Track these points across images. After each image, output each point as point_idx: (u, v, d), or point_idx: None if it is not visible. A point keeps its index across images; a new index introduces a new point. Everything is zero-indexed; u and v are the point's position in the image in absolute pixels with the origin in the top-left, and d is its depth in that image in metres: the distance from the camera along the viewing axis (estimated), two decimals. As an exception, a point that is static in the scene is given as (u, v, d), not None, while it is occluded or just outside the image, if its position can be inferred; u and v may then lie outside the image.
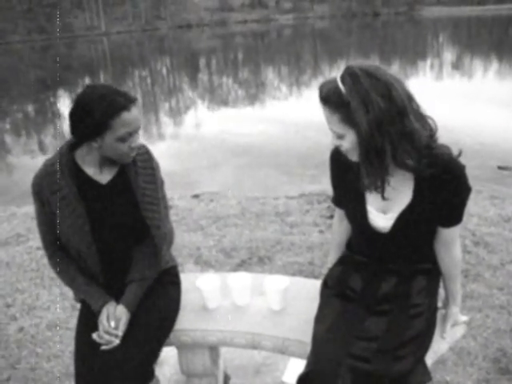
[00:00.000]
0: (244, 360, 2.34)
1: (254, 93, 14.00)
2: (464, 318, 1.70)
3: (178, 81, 18.42)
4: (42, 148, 8.91)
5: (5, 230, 4.30)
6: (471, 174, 1.44)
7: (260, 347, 1.78)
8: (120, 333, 1.61)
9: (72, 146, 1.69)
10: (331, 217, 4.05)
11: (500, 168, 5.69)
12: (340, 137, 1.41)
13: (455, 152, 1.42)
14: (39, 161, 1.74)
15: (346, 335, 1.47)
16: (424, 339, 1.51)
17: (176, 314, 1.83)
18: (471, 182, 1.43)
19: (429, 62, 18.14)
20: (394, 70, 13.87)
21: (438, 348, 1.61)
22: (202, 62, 24.65)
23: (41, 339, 2.68)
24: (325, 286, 1.74)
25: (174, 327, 1.80)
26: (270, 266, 3.30)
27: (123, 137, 1.57)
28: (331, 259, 1.84)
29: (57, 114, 12.20)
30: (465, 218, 1.53)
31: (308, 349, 1.54)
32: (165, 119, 11.13)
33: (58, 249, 1.73)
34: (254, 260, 3.41)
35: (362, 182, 1.47)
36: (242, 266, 3.35)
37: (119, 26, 62.17)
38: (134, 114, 1.58)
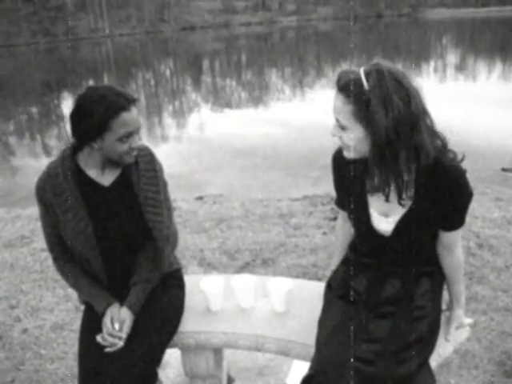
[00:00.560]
0: (248, 362, 2.34)
1: (258, 95, 14.01)
2: (468, 321, 1.70)
3: (181, 83, 18.46)
4: (46, 150, 8.94)
5: (9, 232, 4.31)
6: (475, 176, 1.44)
7: (264, 349, 1.77)
8: (124, 335, 1.61)
9: (74, 149, 1.70)
10: (335, 219, 4.05)
11: (504, 170, 5.67)
12: (343, 128, 1.39)
13: (460, 156, 1.42)
14: (43, 163, 1.75)
15: (349, 337, 1.47)
16: (428, 341, 1.50)
17: (180, 318, 1.83)
18: (476, 183, 1.43)
19: (432, 63, 18.12)
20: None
21: (443, 350, 1.60)
22: (206, 64, 24.69)
23: (45, 341, 2.68)
24: (328, 288, 1.74)
25: (177, 329, 1.80)
26: (273, 268, 3.30)
27: (123, 137, 1.58)
28: (335, 261, 1.84)
29: (61, 117, 12.23)
30: (469, 220, 1.52)
31: (312, 351, 1.53)
32: (168, 121, 11.15)
33: (62, 251, 1.73)
34: (258, 262, 3.41)
35: (369, 184, 1.47)
36: (245, 268, 3.34)
37: (123, 29, 62.35)
38: (134, 114, 1.59)
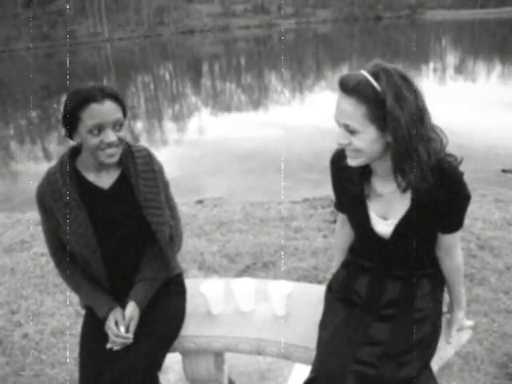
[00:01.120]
0: (248, 366, 2.33)
1: (257, 98, 14.03)
2: (469, 323, 1.69)
3: (181, 86, 18.48)
4: (46, 154, 8.95)
5: (9, 237, 4.31)
6: (475, 177, 1.44)
7: (264, 353, 1.77)
8: (131, 334, 1.61)
9: (73, 153, 1.71)
10: (335, 221, 4.03)
11: (504, 171, 5.67)
12: (353, 132, 1.35)
13: (459, 159, 1.42)
14: (43, 167, 1.76)
15: (350, 340, 1.47)
16: (429, 344, 1.50)
17: (181, 324, 1.83)
18: (475, 185, 1.43)
19: (432, 65, 18.15)
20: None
21: (444, 353, 1.60)
22: (205, 67, 24.72)
23: (45, 346, 2.68)
24: (329, 290, 1.74)
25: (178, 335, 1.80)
26: (274, 272, 3.30)
27: (92, 129, 1.55)
28: (335, 264, 1.84)
29: (60, 121, 12.23)
30: (469, 221, 1.52)
31: (313, 354, 1.53)
32: (168, 125, 11.16)
33: (64, 255, 1.73)
34: (258, 265, 3.40)
35: (368, 188, 1.46)
36: (246, 271, 3.34)
37: (122, 33, 62.48)
38: (106, 106, 1.56)
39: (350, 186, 1.56)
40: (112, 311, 1.67)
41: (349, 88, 1.31)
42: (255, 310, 1.89)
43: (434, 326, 1.54)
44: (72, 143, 1.69)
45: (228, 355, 2.16)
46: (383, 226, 1.53)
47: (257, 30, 61.18)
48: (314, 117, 9.69)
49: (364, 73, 1.32)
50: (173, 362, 2.25)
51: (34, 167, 7.78)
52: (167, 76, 22.43)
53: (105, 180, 1.72)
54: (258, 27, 65.16)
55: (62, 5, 60.85)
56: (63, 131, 1.64)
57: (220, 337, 1.79)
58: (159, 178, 1.75)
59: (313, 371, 1.46)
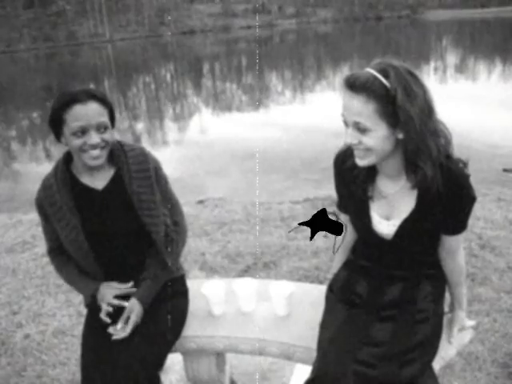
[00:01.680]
0: (250, 366, 2.33)
1: (258, 98, 14.02)
2: (471, 323, 1.69)
3: (182, 87, 18.49)
4: (48, 155, 8.95)
5: (10, 237, 4.31)
6: (477, 176, 1.43)
7: (266, 353, 1.77)
8: (130, 326, 1.63)
9: (68, 158, 1.72)
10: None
11: (505, 170, 5.66)
12: (364, 131, 1.34)
13: (465, 161, 1.41)
14: (45, 168, 1.77)
15: (351, 341, 1.46)
16: (431, 345, 1.49)
17: (183, 325, 1.83)
18: (477, 184, 1.42)
19: (432, 64, 18.14)
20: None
21: (446, 353, 1.60)
22: (206, 67, 24.73)
23: (47, 346, 2.68)
24: (330, 291, 1.74)
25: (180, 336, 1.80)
26: (275, 272, 3.29)
27: (76, 131, 1.55)
28: (336, 264, 1.83)
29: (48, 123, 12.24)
30: (471, 221, 1.52)
31: (314, 355, 1.53)
32: (169, 125, 11.16)
33: (59, 253, 1.78)
34: (260, 265, 3.40)
35: (371, 189, 1.46)
36: (247, 271, 3.34)
37: (123, 33, 62.57)
38: (91, 108, 1.55)
39: (353, 186, 1.55)
40: (101, 285, 1.71)
41: (357, 86, 1.30)
42: (256, 311, 1.89)
43: (436, 326, 1.53)
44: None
45: (229, 355, 2.16)
46: (385, 227, 1.52)
47: (257, 30, 61.13)
48: (314, 117, 9.70)
49: (371, 70, 1.32)
50: (174, 362, 2.25)
51: (35, 168, 7.79)
52: (168, 76, 22.45)
53: (98, 181, 1.72)
54: (259, 27, 65.14)
55: (63, 6, 60.96)
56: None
57: (221, 337, 1.79)
58: (154, 177, 1.74)
59: (313, 371, 1.46)
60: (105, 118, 1.60)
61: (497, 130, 7.63)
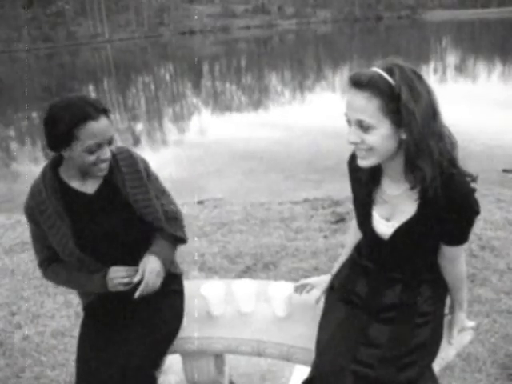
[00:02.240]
0: (249, 367, 2.32)
1: (258, 98, 14.03)
2: (471, 324, 1.68)
3: (181, 87, 18.49)
4: (47, 155, 8.94)
5: (9, 238, 4.30)
6: (476, 177, 1.41)
7: (265, 354, 1.76)
8: (139, 275, 1.64)
9: (55, 163, 1.70)
10: (336, 222, 4.04)
11: (505, 171, 5.66)
12: (367, 129, 1.33)
13: (472, 174, 1.39)
14: (44, 168, 1.74)
15: (350, 340, 1.46)
16: (430, 348, 1.49)
17: (179, 324, 1.82)
18: (476, 185, 1.40)
19: (432, 65, 18.15)
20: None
21: (446, 354, 1.59)
22: (206, 68, 24.74)
23: (45, 347, 2.67)
24: (331, 289, 1.73)
25: (178, 335, 1.79)
26: (274, 272, 3.29)
27: (91, 148, 1.54)
28: (340, 260, 1.82)
29: (47, 136, 12.23)
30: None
31: (313, 356, 1.52)
32: (169, 125, 11.17)
33: (53, 260, 1.73)
34: (259, 266, 3.40)
35: (375, 191, 1.45)
36: (246, 272, 3.33)
37: (123, 33, 62.60)
38: (103, 124, 1.54)
39: (359, 186, 1.56)
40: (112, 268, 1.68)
41: (362, 82, 1.30)
42: (256, 312, 1.88)
43: (436, 330, 1.52)
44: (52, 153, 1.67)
45: (229, 357, 2.16)
46: (384, 227, 1.51)
47: (257, 30, 61.21)
48: (314, 117, 9.70)
49: (376, 69, 1.32)
50: (173, 363, 2.25)
51: (34, 168, 7.78)
52: (167, 76, 22.44)
53: (89, 186, 1.71)
54: (259, 27, 65.22)
55: (63, 6, 60.98)
56: (46, 143, 1.59)
57: (220, 338, 1.78)
58: (145, 176, 1.76)
59: (312, 371, 1.46)
60: (113, 131, 1.61)
61: (497, 130, 7.63)
